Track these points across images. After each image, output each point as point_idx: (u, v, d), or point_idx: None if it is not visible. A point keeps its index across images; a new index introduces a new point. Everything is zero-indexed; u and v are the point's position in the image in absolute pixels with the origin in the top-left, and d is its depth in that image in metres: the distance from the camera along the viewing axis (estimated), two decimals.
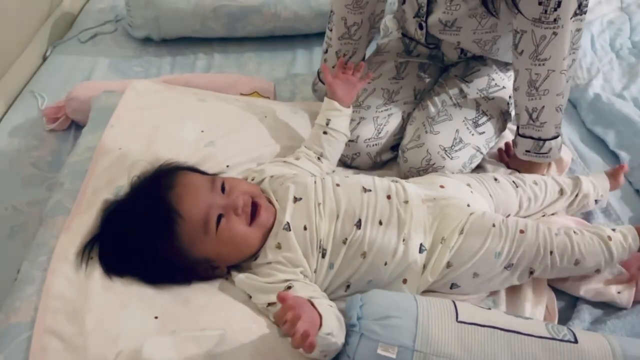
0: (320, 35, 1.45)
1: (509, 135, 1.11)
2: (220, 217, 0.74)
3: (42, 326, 0.67)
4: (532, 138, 0.98)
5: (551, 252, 0.79)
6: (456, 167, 0.98)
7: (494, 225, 0.80)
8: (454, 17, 0.96)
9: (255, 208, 0.78)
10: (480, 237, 0.79)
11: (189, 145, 0.94)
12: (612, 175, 0.98)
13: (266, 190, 0.84)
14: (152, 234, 0.73)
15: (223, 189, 0.77)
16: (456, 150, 0.98)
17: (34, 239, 0.82)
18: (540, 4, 0.85)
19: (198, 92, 1.09)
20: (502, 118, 1.06)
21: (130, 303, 0.70)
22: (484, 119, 1.03)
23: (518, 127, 1.01)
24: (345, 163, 1.05)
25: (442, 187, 0.87)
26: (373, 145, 1.05)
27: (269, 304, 0.73)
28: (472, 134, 1.01)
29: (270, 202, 0.81)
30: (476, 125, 1.02)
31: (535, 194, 0.91)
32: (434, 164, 0.97)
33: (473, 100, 1.04)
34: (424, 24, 1.02)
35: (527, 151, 1.00)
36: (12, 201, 1.05)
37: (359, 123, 1.05)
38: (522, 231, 0.80)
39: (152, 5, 1.40)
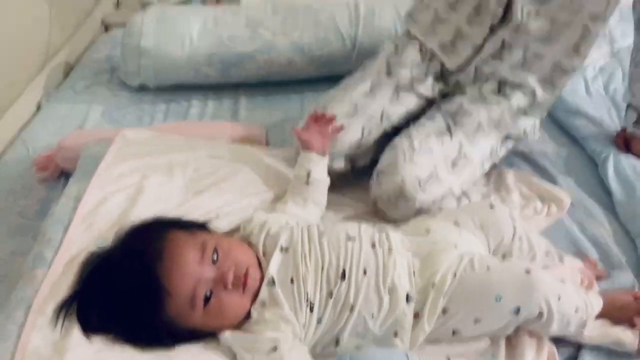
0: (312, 81, 1.48)
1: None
2: (209, 293, 0.72)
3: None
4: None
5: (559, 298, 0.76)
6: (427, 201, 0.96)
7: (489, 269, 0.77)
8: None
9: (246, 275, 0.74)
10: (476, 280, 0.76)
11: (177, 194, 0.92)
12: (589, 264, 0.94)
13: (254, 240, 0.81)
14: (136, 303, 0.71)
15: (215, 257, 0.74)
16: (430, 184, 0.96)
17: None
18: None
19: (188, 139, 1.08)
20: (480, 166, 1.05)
21: None
22: (463, 161, 1.01)
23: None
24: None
25: (427, 231, 0.84)
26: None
27: None
28: (449, 173, 0.99)
29: (259, 258, 0.79)
30: (454, 165, 1.00)
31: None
32: (406, 194, 0.95)
33: (457, 141, 1.02)
34: None
35: (634, 122, 1.10)
36: None
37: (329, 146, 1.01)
38: (527, 271, 0.76)
39: (147, 54, 1.41)
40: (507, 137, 1.10)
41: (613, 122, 1.26)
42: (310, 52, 1.42)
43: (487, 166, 1.09)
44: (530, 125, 1.11)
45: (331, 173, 0.98)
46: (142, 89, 1.49)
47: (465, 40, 1.07)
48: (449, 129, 1.04)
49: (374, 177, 1.02)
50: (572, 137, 1.24)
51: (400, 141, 1.03)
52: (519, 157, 1.19)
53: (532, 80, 1.06)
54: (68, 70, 1.62)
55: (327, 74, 1.46)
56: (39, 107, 1.46)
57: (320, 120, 0.98)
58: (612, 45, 1.52)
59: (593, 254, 0.97)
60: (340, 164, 1.06)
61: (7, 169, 1.24)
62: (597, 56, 1.48)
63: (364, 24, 1.44)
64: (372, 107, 1.07)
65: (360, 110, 1.06)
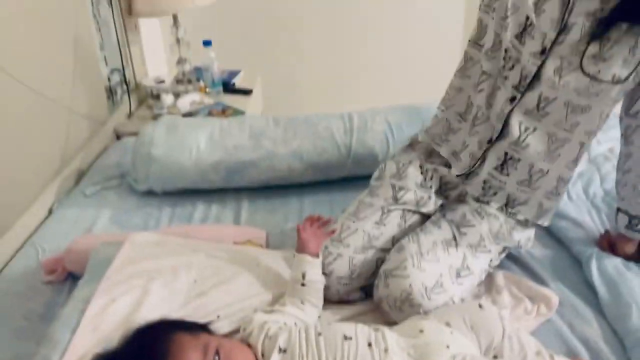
0: (311, 185, 1.58)
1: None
2: None
3: None
4: (628, 215, 1.15)
5: None
6: (430, 307, 0.99)
7: None
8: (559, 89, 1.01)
9: None
10: None
11: (181, 296, 0.96)
12: None
13: (253, 341, 0.85)
14: None
15: (216, 358, 0.77)
16: (436, 293, 1.01)
17: None
18: None
19: (193, 243, 1.14)
20: (479, 277, 1.11)
21: None
22: (466, 272, 1.06)
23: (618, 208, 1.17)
24: None
25: (421, 331, 0.88)
26: (344, 284, 1.08)
27: None
28: (453, 283, 1.04)
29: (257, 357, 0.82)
30: (458, 276, 1.05)
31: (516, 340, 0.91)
32: (412, 299, 0.99)
33: (462, 253, 1.08)
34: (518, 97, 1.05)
35: (625, 226, 1.17)
36: (0, 353, 1.04)
37: (335, 258, 1.09)
38: None
39: (157, 162, 1.51)
40: (503, 250, 1.17)
41: (594, 223, 1.33)
42: (309, 159, 1.52)
43: (484, 276, 1.14)
44: (525, 237, 1.18)
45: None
46: (150, 193, 1.57)
47: (466, 149, 1.16)
48: (454, 239, 1.10)
49: (381, 277, 1.06)
50: (557, 239, 1.30)
51: (409, 245, 1.08)
52: (509, 259, 1.24)
53: (540, 195, 1.13)
54: (80, 175, 1.72)
55: (324, 179, 1.56)
56: (50, 212, 1.54)
57: (316, 222, 1.04)
58: (589, 152, 1.63)
59: (583, 354, 0.99)
60: (355, 295, 1.11)
61: (16, 271, 1.28)
62: None
63: (357, 133, 1.56)
64: (384, 237, 1.14)
65: (373, 241, 1.12)
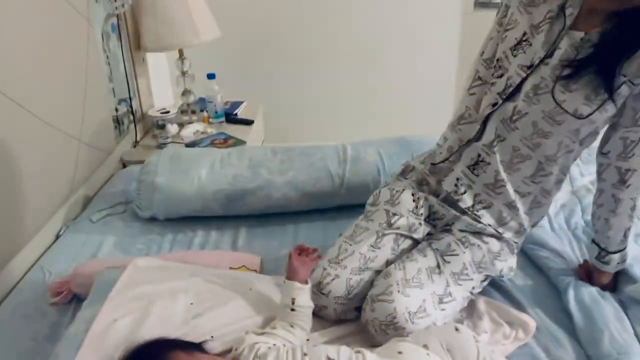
0: (306, 212, 1.65)
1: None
2: None
3: None
4: (599, 247, 1.24)
5: None
6: (414, 330, 1.06)
7: None
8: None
9: None
10: None
11: (178, 317, 1.03)
12: None
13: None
14: None
15: None
16: (419, 318, 1.07)
17: None
18: None
19: (191, 268, 1.21)
20: (461, 303, 1.17)
21: None
22: (449, 299, 1.13)
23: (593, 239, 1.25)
24: (313, 312, 1.10)
25: (400, 353, 0.94)
26: (341, 303, 1.15)
27: None
28: (435, 309, 1.10)
29: None
30: (441, 302, 1.12)
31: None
32: (396, 323, 1.06)
33: (444, 280, 1.15)
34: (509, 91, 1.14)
35: (595, 257, 1.25)
36: None
37: (333, 279, 1.16)
38: None
39: (160, 190, 1.59)
40: (486, 278, 1.24)
41: (574, 253, 1.39)
42: (304, 188, 1.60)
43: (466, 303, 1.20)
44: (507, 267, 1.25)
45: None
46: (153, 220, 1.65)
47: (445, 142, 1.27)
48: (438, 267, 1.17)
49: (368, 301, 1.13)
50: (538, 268, 1.36)
51: (395, 271, 1.15)
52: (491, 286, 1.30)
53: (500, 203, 1.22)
54: (87, 202, 1.80)
55: (318, 207, 1.64)
56: (57, 237, 1.61)
57: (305, 251, 1.12)
58: (572, 184, 1.71)
59: None
60: (351, 315, 1.18)
61: (24, 294, 1.35)
62: (559, 195, 1.66)
63: (350, 164, 1.65)
64: (378, 260, 1.21)
65: (369, 264, 1.20)
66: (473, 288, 1.20)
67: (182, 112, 2.44)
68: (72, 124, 1.74)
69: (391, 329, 1.07)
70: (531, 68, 1.11)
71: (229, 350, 0.97)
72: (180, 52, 2.35)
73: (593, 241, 1.27)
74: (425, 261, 1.18)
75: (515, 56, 1.14)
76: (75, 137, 1.75)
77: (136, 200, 1.66)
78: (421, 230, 1.27)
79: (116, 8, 2.05)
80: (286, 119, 2.94)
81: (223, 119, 2.44)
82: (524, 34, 1.13)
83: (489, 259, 1.21)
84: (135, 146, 2.26)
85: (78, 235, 1.59)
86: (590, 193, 1.65)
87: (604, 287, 1.25)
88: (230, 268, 1.28)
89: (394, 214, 1.26)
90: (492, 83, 1.18)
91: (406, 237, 1.26)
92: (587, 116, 1.07)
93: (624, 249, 1.24)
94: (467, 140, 1.23)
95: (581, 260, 1.36)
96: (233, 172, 1.63)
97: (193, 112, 2.44)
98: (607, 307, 1.16)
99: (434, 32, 2.78)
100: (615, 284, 1.28)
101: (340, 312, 1.16)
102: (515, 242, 1.26)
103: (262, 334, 1.00)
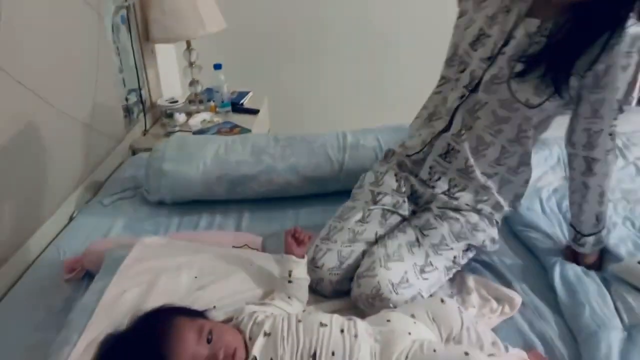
0: (307, 197, 1.71)
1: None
2: None
3: None
4: (574, 229, 1.31)
5: None
6: (399, 301, 1.13)
7: (435, 351, 0.92)
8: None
9: (233, 355, 0.91)
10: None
11: (183, 289, 1.10)
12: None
13: (243, 327, 0.98)
14: None
15: (209, 338, 0.91)
16: (402, 288, 1.14)
17: None
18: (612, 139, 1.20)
19: (196, 245, 1.28)
20: (445, 272, 1.24)
21: None
22: (430, 268, 1.20)
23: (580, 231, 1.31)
24: (310, 287, 1.17)
25: (388, 321, 1.01)
26: (335, 274, 1.22)
27: None
28: (418, 278, 1.17)
29: (245, 341, 0.95)
30: (422, 272, 1.19)
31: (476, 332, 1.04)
32: (381, 294, 1.13)
33: (424, 251, 1.22)
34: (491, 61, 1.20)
35: (572, 239, 1.32)
36: (24, 341, 1.18)
37: (325, 253, 1.23)
38: (466, 353, 0.91)
39: (167, 175, 1.67)
40: (468, 248, 1.30)
41: (563, 235, 1.45)
42: (305, 173, 1.67)
43: (451, 273, 1.27)
44: (489, 238, 1.32)
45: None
46: (160, 204, 1.72)
47: (419, 137, 1.36)
48: (417, 241, 1.25)
49: (355, 280, 1.20)
50: (528, 248, 1.42)
51: (377, 250, 1.23)
52: (481, 265, 1.37)
53: (474, 185, 1.30)
54: (98, 187, 1.88)
55: (318, 192, 1.70)
56: (71, 219, 1.70)
57: (299, 233, 1.17)
58: (566, 170, 1.75)
59: (539, 347, 1.11)
60: (346, 286, 1.23)
61: (40, 270, 1.43)
62: (552, 179, 1.72)
63: (350, 150, 1.71)
64: (367, 232, 1.29)
65: (358, 236, 1.28)
66: (455, 257, 1.26)
67: (190, 101, 2.51)
68: (84, 112, 1.82)
69: (377, 301, 1.14)
70: (491, 59, 1.19)
71: (230, 319, 1.04)
72: (188, 44, 2.42)
73: (570, 224, 1.34)
74: (404, 237, 1.26)
75: (475, 50, 1.22)
76: (87, 124, 1.83)
77: (145, 185, 1.74)
78: (405, 207, 1.35)
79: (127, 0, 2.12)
80: (292, 109, 3.00)
81: (229, 108, 2.50)
82: (481, 29, 1.21)
83: (467, 229, 1.28)
84: (144, 134, 2.34)
85: (90, 217, 1.67)
86: None
87: (589, 267, 1.31)
88: (233, 247, 1.35)
89: (379, 193, 1.34)
90: (457, 79, 1.27)
91: (392, 212, 1.33)
92: (538, 106, 1.15)
93: (598, 232, 1.30)
94: (438, 131, 1.31)
95: (566, 241, 1.42)
96: (236, 158, 1.70)
97: (200, 101, 2.51)
98: (590, 284, 1.22)
99: (441, 24, 2.81)
100: (600, 263, 1.34)
101: (336, 283, 1.23)
102: (492, 214, 1.32)
103: (262, 304, 1.07)
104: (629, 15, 1.08)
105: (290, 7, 2.82)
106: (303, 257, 1.15)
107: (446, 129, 1.30)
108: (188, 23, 2.26)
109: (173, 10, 2.24)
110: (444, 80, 1.34)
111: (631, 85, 1.16)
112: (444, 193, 1.31)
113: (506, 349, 1.05)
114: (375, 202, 1.33)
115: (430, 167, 1.33)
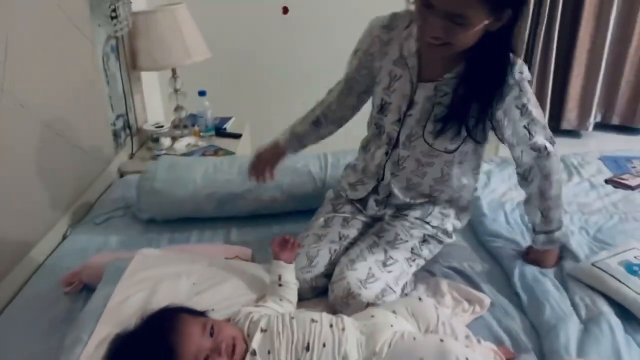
0: (292, 214, 1.82)
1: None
2: (206, 358, 0.97)
3: None
4: (544, 233, 1.42)
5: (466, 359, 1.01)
6: (370, 295, 1.26)
7: (414, 339, 1.04)
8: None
9: (233, 346, 1.01)
10: (405, 347, 1.02)
11: (183, 294, 1.19)
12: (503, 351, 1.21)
13: (240, 326, 1.08)
14: None
15: (212, 332, 1.01)
16: (369, 282, 1.28)
17: None
18: (534, 150, 1.35)
19: (191, 256, 1.38)
20: (407, 263, 1.38)
21: None
22: (391, 261, 1.35)
23: (534, 230, 1.44)
24: None
25: (372, 316, 1.12)
26: (307, 272, 1.35)
27: None
28: (382, 272, 1.32)
29: (244, 336, 1.05)
30: (385, 265, 1.34)
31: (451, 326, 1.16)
32: (352, 292, 1.26)
33: (382, 249, 1.38)
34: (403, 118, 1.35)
35: (542, 243, 1.43)
36: (29, 348, 1.25)
37: (296, 256, 1.35)
38: (441, 340, 1.03)
39: (158, 194, 1.76)
40: (425, 239, 1.44)
41: (526, 242, 1.60)
42: (289, 191, 1.79)
43: (414, 264, 1.40)
44: (440, 230, 1.46)
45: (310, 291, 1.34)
46: (151, 221, 1.81)
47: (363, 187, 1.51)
48: (375, 242, 1.41)
49: (329, 288, 1.34)
50: (493, 256, 1.56)
51: (344, 259, 1.38)
52: (454, 271, 1.50)
53: (421, 198, 1.45)
54: (88, 208, 1.96)
55: (302, 208, 1.81)
56: (64, 237, 1.77)
57: (287, 242, 1.29)
58: None
59: (506, 342, 1.24)
60: (321, 282, 1.37)
61: (38, 285, 1.50)
62: (515, 195, 1.88)
63: (331, 170, 1.84)
64: (331, 234, 1.45)
65: (322, 237, 1.44)
66: (413, 248, 1.41)
67: (175, 126, 2.62)
68: (78, 135, 1.91)
69: (350, 299, 1.27)
70: (400, 122, 1.36)
71: (228, 320, 1.13)
72: (174, 71, 2.54)
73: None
74: (364, 243, 1.42)
75: (385, 116, 1.39)
76: (80, 147, 1.92)
77: (136, 203, 1.82)
78: (362, 216, 1.51)
79: (118, 30, 2.23)
80: (271, 133, 3.12)
81: (213, 132, 2.62)
82: (382, 99, 1.38)
83: (418, 222, 1.44)
84: (131, 157, 2.42)
85: (83, 235, 1.75)
86: None
87: (548, 266, 1.46)
88: (225, 258, 1.45)
89: (338, 204, 1.53)
90: (380, 139, 1.43)
91: (353, 219, 1.50)
92: (456, 150, 1.34)
93: (549, 231, 1.44)
94: (373, 186, 1.49)
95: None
96: (224, 177, 1.80)
97: (185, 126, 2.62)
98: (547, 283, 1.37)
99: None
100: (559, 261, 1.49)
101: (310, 280, 1.35)
102: (443, 221, 1.47)
103: (256, 306, 1.18)
104: (507, 65, 1.22)
105: (269, 39, 2.98)
106: (291, 262, 1.26)
107: (379, 179, 1.47)
108: (175, 52, 2.38)
109: (161, 41, 2.36)
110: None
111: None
112: (392, 215, 1.49)
113: (478, 341, 1.17)
114: (335, 211, 1.51)
115: (375, 201, 1.50)
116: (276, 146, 1.60)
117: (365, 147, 1.54)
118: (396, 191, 1.45)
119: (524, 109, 1.30)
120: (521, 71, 1.26)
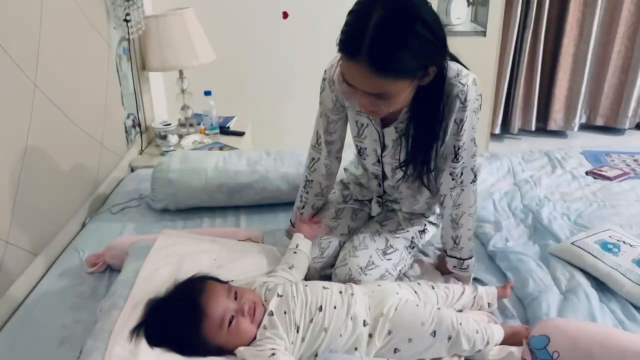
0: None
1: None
2: (232, 318, 1.11)
3: None
4: (455, 258, 1.43)
5: (460, 324, 1.15)
6: (369, 281, 1.36)
7: (417, 305, 1.18)
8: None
9: (254, 309, 1.14)
10: (408, 311, 1.16)
11: (205, 268, 1.32)
12: (502, 288, 1.38)
13: (258, 293, 1.22)
14: (185, 324, 1.09)
15: (235, 296, 1.14)
16: (369, 269, 1.39)
17: (83, 343, 1.13)
18: (453, 179, 1.33)
19: (210, 237, 1.51)
20: (406, 251, 1.49)
21: None
22: (391, 250, 1.45)
23: (445, 251, 1.45)
24: None
25: (379, 285, 1.27)
26: (318, 262, 1.46)
27: None
28: (382, 260, 1.42)
29: (262, 301, 1.19)
30: (385, 253, 1.44)
31: (447, 293, 1.30)
32: (353, 278, 1.37)
33: (384, 237, 1.48)
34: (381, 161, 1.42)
35: (454, 266, 1.44)
36: (61, 320, 1.37)
37: (313, 236, 1.47)
38: (438, 308, 1.17)
39: (172, 184, 1.89)
40: (424, 230, 1.56)
41: (510, 226, 1.75)
42: (294, 182, 1.91)
43: (412, 251, 1.52)
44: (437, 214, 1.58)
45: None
46: (165, 211, 1.93)
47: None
48: (378, 231, 1.51)
49: (333, 272, 1.45)
50: (481, 242, 1.70)
51: (348, 245, 1.49)
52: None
53: (419, 209, 1.54)
54: (104, 199, 2.08)
55: None
56: (83, 226, 1.89)
57: (311, 220, 1.44)
58: (514, 177, 2.08)
59: (497, 315, 1.38)
60: (329, 271, 1.47)
61: (64, 265, 1.62)
62: (502, 185, 2.03)
63: None
64: (341, 227, 1.55)
65: (333, 230, 1.54)
66: (413, 238, 1.51)
67: (181, 125, 2.75)
68: (97, 131, 2.03)
69: (351, 283, 1.37)
70: (379, 162, 1.42)
71: None
72: (180, 72, 2.67)
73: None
74: (367, 231, 1.51)
75: (364, 159, 1.47)
76: (99, 142, 2.04)
77: (150, 194, 1.95)
78: (370, 207, 1.60)
79: (133, 33, 2.36)
80: (272, 132, 3.27)
81: (217, 130, 2.75)
82: (357, 145, 1.45)
83: (417, 215, 1.54)
84: (141, 153, 2.55)
85: (102, 223, 1.86)
86: (527, 183, 2.03)
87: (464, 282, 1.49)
88: (238, 240, 1.58)
89: (347, 195, 1.62)
90: (371, 174, 1.52)
91: (361, 209, 1.60)
92: (429, 184, 1.39)
93: (461, 258, 1.44)
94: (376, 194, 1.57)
95: (518, 232, 1.72)
96: (234, 169, 1.94)
97: (191, 125, 2.75)
98: (530, 262, 1.52)
99: None
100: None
101: (319, 269, 1.46)
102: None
103: (269, 276, 1.31)
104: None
105: (268, 43, 3.12)
106: (310, 238, 1.40)
107: (380, 195, 1.56)
108: (183, 54, 2.51)
109: (170, 43, 2.49)
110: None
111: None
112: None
113: (476, 288, 1.33)
114: (345, 202, 1.61)
115: (378, 203, 1.57)
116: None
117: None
118: (397, 206, 1.55)
119: (460, 125, 1.24)
120: (469, 87, 1.19)
